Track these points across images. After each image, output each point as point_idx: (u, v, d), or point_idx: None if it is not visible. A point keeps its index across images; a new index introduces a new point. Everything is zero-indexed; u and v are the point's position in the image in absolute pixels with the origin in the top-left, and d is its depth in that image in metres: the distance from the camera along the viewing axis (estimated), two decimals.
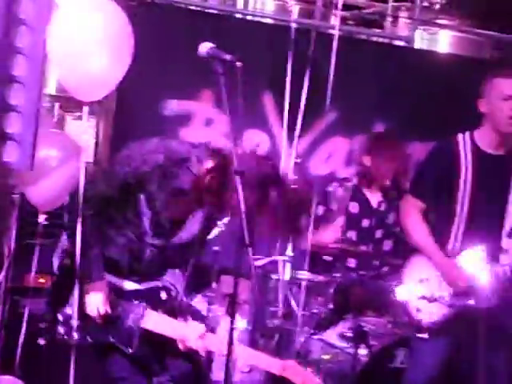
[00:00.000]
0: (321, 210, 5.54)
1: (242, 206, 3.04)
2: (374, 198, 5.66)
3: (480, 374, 4.48)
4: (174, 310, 3.62)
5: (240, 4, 7.11)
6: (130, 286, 3.57)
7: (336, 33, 4.28)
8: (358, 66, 6.52)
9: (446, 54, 7.47)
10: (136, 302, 3.52)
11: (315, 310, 4.99)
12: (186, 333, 3.49)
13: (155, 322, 3.51)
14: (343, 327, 5.09)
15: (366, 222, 5.63)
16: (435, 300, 4.30)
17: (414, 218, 4.45)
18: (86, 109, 3.27)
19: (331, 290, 5.04)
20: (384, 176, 5.60)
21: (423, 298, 4.34)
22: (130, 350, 3.49)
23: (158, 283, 3.62)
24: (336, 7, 6.94)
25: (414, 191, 4.52)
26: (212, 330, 5.26)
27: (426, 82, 6.81)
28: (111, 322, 3.50)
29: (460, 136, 4.41)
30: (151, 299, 3.56)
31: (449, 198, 4.36)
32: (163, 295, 3.60)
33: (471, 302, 4.26)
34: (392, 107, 6.70)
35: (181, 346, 3.51)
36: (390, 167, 5.61)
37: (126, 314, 3.53)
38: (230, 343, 3.04)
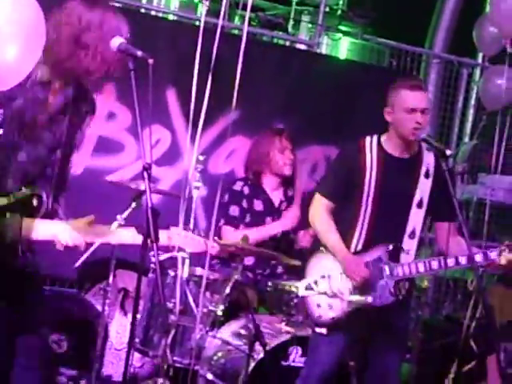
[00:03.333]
0: (236, 210, 5.61)
1: (149, 202, 3.05)
2: (276, 195, 5.75)
3: (370, 371, 4.61)
4: (47, 214, 3.50)
5: None
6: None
7: (244, 32, 4.30)
8: (261, 67, 6.59)
9: (347, 60, 7.62)
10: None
11: (211, 308, 5.01)
12: (56, 230, 3.37)
13: (28, 227, 3.37)
14: (238, 325, 5.14)
15: (268, 221, 5.71)
16: (335, 295, 4.39)
17: (320, 216, 4.54)
18: None
19: (227, 288, 5.06)
20: (282, 169, 5.68)
21: (323, 293, 4.42)
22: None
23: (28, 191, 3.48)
24: (239, 7, 7.03)
25: (323, 191, 4.59)
26: (106, 324, 5.27)
27: (327, 86, 6.93)
28: None
29: (367, 139, 4.51)
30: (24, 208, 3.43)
31: (354, 198, 4.46)
32: (35, 202, 3.48)
33: (369, 299, 4.35)
34: (293, 109, 6.80)
35: (58, 246, 3.38)
36: (287, 160, 5.69)
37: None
38: (131, 339, 3.04)
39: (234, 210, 5.63)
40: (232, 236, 5.47)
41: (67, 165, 3.57)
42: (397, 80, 4.53)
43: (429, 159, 4.51)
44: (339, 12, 7.97)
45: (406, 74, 7.66)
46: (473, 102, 8.40)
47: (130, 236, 3.40)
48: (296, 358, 4.89)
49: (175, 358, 4.93)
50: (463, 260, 4.21)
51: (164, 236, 3.38)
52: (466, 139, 8.44)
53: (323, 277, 4.47)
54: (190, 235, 3.53)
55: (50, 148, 3.47)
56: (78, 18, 3.29)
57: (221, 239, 5.48)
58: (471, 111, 8.45)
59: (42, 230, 3.37)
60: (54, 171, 3.50)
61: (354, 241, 4.46)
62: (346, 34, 7.75)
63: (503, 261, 4.15)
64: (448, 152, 4.18)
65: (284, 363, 4.86)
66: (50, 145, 3.47)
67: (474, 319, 5.94)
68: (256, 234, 5.52)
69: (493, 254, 4.16)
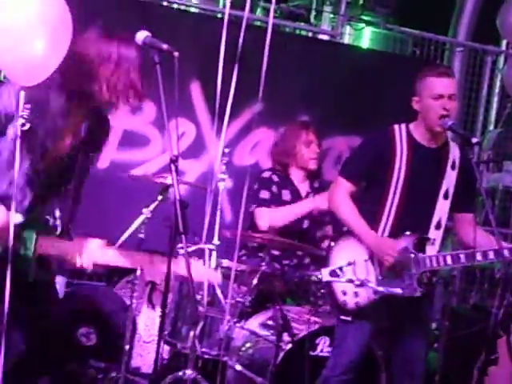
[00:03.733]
0: (266, 194, 5.63)
1: (177, 194, 3.08)
2: (302, 187, 5.76)
3: (397, 360, 4.62)
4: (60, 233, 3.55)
5: None
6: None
7: (270, 25, 4.30)
8: (284, 58, 6.59)
9: (370, 50, 7.61)
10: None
11: (239, 299, 5.03)
12: (71, 249, 3.42)
13: (46, 246, 3.42)
14: (266, 316, 5.16)
15: None
16: (362, 284, 4.37)
17: (343, 199, 4.48)
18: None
19: (255, 280, 5.08)
20: (308, 163, 5.69)
21: (350, 281, 4.40)
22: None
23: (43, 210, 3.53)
24: None
25: (346, 173, 4.54)
26: (134, 317, 5.31)
27: (350, 77, 6.92)
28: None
29: (396, 126, 4.48)
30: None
31: (381, 185, 4.42)
32: (51, 221, 3.53)
33: (397, 290, 4.35)
34: (316, 100, 6.80)
35: (69, 265, 3.44)
36: (313, 154, 5.70)
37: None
38: (160, 331, 3.06)
39: (264, 194, 5.63)
40: (266, 216, 5.49)
41: (81, 188, 3.62)
42: (424, 68, 4.51)
43: (455, 150, 4.50)
44: (361, 2, 7.96)
45: (430, 62, 7.63)
46: (497, 89, 8.35)
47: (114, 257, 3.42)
48: (324, 348, 4.91)
49: (204, 350, 4.96)
50: (491, 254, 4.21)
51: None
52: (491, 127, 8.40)
53: (349, 264, 4.43)
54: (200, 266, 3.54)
55: (65, 174, 3.52)
56: (97, 49, 3.34)
57: (254, 226, 5.51)
58: (496, 99, 8.40)
59: (57, 248, 3.41)
60: (69, 194, 3.55)
61: (380, 229, 4.43)
62: (368, 23, 7.73)
63: None
64: (474, 140, 4.17)
65: (312, 353, 4.87)
66: (65, 172, 3.51)
67: (501, 307, 5.92)
68: (289, 210, 5.53)
69: (505, 253, 4.16)
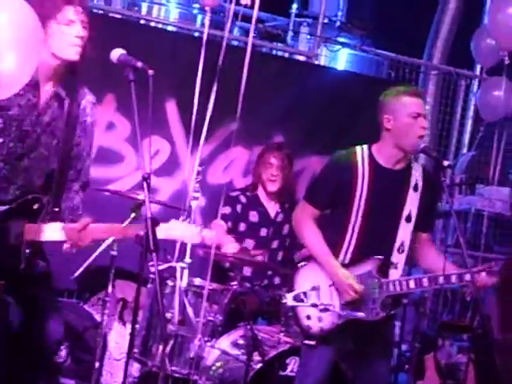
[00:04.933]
0: (228, 209, 5.63)
1: (148, 212, 3.08)
2: (272, 208, 5.78)
3: (363, 382, 4.61)
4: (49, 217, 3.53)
5: (144, 10, 7.17)
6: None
7: (249, 44, 4.31)
8: (261, 78, 6.61)
9: (346, 71, 7.65)
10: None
11: (210, 318, 5.02)
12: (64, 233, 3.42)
13: (35, 232, 3.41)
14: (237, 335, 5.15)
15: (264, 232, 5.73)
16: (325, 310, 4.35)
17: (308, 225, 4.46)
18: None
19: (226, 299, 5.08)
20: (266, 185, 5.71)
21: (314, 305, 4.39)
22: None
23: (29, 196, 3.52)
24: (238, 18, 7.05)
25: (310, 198, 4.52)
26: (105, 334, 5.28)
27: (326, 98, 6.96)
28: None
29: (358, 149, 4.45)
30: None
31: (344, 208, 4.39)
32: (35, 206, 3.51)
33: (360, 314, 4.32)
34: (292, 120, 6.83)
35: (66, 248, 3.44)
36: (271, 176, 5.72)
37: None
38: (130, 348, 3.05)
39: (225, 209, 5.64)
40: (218, 229, 5.44)
41: (68, 168, 3.60)
42: (393, 87, 4.50)
43: (417, 172, 4.47)
44: (338, 23, 8.02)
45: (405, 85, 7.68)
46: (471, 113, 8.44)
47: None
48: (294, 368, 4.89)
49: (174, 368, 4.94)
50: (454, 278, 4.23)
51: (164, 229, 3.41)
52: (465, 150, 8.47)
53: (313, 288, 4.41)
54: (190, 226, 3.55)
55: (51, 151, 3.51)
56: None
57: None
58: (469, 122, 8.48)
59: (48, 232, 3.41)
60: (55, 175, 3.54)
61: (342, 253, 4.40)
62: (344, 45, 7.78)
63: (479, 284, 4.19)
64: (446, 163, 4.19)
65: (282, 373, 4.86)
66: (50, 148, 3.51)
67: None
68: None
69: (467, 277, 4.18)
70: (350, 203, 4.38)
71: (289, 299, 4.45)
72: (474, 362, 5.80)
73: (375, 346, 4.48)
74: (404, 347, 6.36)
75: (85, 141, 3.64)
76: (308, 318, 4.42)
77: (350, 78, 7.48)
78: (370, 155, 4.43)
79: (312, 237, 4.45)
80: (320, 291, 4.41)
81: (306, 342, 4.42)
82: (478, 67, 8.31)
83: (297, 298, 4.43)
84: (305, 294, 4.42)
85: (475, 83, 8.37)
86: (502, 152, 7.95)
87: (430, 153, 4.39)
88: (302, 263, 4.54)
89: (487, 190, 7.90)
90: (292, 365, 4.90)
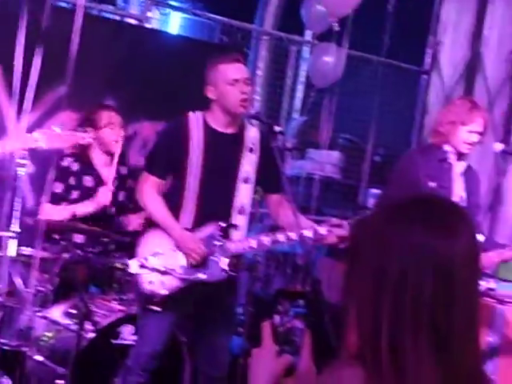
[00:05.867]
0: (60, 187, 5.45)
1: None
2: (106, 172, 5.64)
3: (201, 348, 4.64)
4: None
5: None
6: None
7: (78, 7, 4.19)
8: (90, 41, 6.43)
9: (178, 36, 7.60)
10: None
11: (40, 288, 4.90)
12: None
13: None
14: (68, 304, 5.05)
15: None
16: (168, 273, 4.36)
17: (149, 194, 4.48)
18: None
19: (57, 268, 4.96)
20: (111, 148, 5.57)
21: (157, 270, 4.38)
22: None
23: None
24: None
25: (149, 168, 4.54)
26: None
27: (157, 62, 6.88)
28: None
29: (192, 114, 4.48)
30: None
31: (181, 174, 4.42)
32: None
33: (203, 276, 4.36)
34: (122, 85, 6.71)
35: None
36: (117, 137, 5.58)
37: None
38: None
39: (57, 187, 5.48)
40: (50, 213, 5.32)
41: None
42: (212, 59, 4.51)
43: (253, 134, 4.55)
44: None
45: (237, 50, 7.69)
46: (302, 78, 8.55)
47: None
48: (128, 336, 4.84)
49: (2, 341, 4.80)
50: (293, 236, 4.29)
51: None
52: (296, 115, 8.59)
53: (155, 254, 4.43)
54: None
55: None
56: None
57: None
58: (300, 88, 8.60)
59: None
60: None
61: (184, 217, 4.43)
62: (176, 8, 7.71)
63: (332, 237, 4.26)
64: (277, 128, 4.24)
65: (115, 342, 4.80)
66: None
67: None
68: (68, 211, 5.38)
69: (322, 230, 4.25)
70: (186, 168, 4.40)
71: (132, 266, 4.43)
72: (309, 327, 5.93)
73: (215, 312, 4.54)
74: (238, 311, 6.43)
75: None
76: (151, 283, 4.40)
77: (182, 42, 7.43)
78: (203, 120, 4.47)
79: (153, 204, 4.48)
80: (163, 256, 4.42)
81: (150, 307, 4.41)
82: (309, 33, 8.42)
83: (140, 265, 4.41)
84: (147, 259, 4.41)
85: (306, 49, 8.48)
86: (332, 117, 8.10)
87: (261, 118, 4.46)
88: (144, 230, 4.52)
89: (318, 155, 8.05)
90: (125, 333, 4.84)
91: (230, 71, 4.39)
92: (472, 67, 7.72)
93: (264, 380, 2.00)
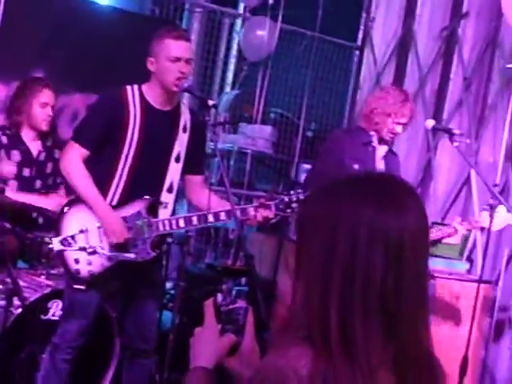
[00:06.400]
0: None
1: None
2: (34, 146, 5.54)
3: (130, 324, 4.61)
4: None
5: None
6: None
7: None
8: (17, 11, 6.31)
9: (108, 6, 7.46)
10: None
11: None
12: None
13: None
14: None
15: (26, 172, 5.49)
16: (94, 252, 4.30)
17: (76, 166, 4.33)
18: None
19: None
20: (41, 125, 5.46)
21: (83, 249, 4.31)
22: None
23: None
24: None
25: (79, 139, 4.38)
26: None
27: (88, 33, 6.75)
28: None
29: (129, 87, 4.39)
30: None
31: (114, 149, 4.34)
32: None
33: (131, 255, 4.31)
34: (52, 56, 6.58)
35: None
36: (47, 116, 5.48)
37: None
38: None
39: None
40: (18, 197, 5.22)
41: None
42: (161, 30, 4.44)
43: (186, 113, 4.50)
44: None
45: (169, 23, 7.60)
46: (234, 52, 8.50)
47: None
48: (56, 311, 4.78)
49: None
50: (223, 215, 4.26)
51: None
52: (228, 89, 8.54)
53: (82, 231, 4.35)
54: None
55: None
56: None
57: None
58: (233, 61, 8.55)
59: None
60: None
61: (110, 194, 4.36)
62: None
63: (259, 217, 4.25)
64: (210, 102, 4.20)
65: (44, 317, 4.74)
66: None
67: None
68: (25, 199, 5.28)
69: (250, 210, 4.24)
70: (120, 143, 4.32)
71: (55, 244, 4.35)
72: (250, 304, 5.93)
73: (143, 287, 4.51)
74: (169, 285, 6.40)
75: None
76: (76, 261, 4.34)
77: (113, 13, 7.28)
78: (141, 95, 4.39)
79: (80, 179, 4.34)
80: (89, 233, 4.35)
81: (76, 286, 4.34)
82: (242, 6, 8.36)
83: (64, 243, 4.34)
84: (73, 237, 4.35)
85: (239, 22, 8.43)
86: (265, 91, 8.08)
87: (194, 92, 4.41)
88: (68, 207, 4.43)
89: (250, 129, 8.02)
90: (54, 308, 4.78)
91: (174, 48, 4.28)
92: (404, 44, 7.75)
93: (207, 359, 1.98)
